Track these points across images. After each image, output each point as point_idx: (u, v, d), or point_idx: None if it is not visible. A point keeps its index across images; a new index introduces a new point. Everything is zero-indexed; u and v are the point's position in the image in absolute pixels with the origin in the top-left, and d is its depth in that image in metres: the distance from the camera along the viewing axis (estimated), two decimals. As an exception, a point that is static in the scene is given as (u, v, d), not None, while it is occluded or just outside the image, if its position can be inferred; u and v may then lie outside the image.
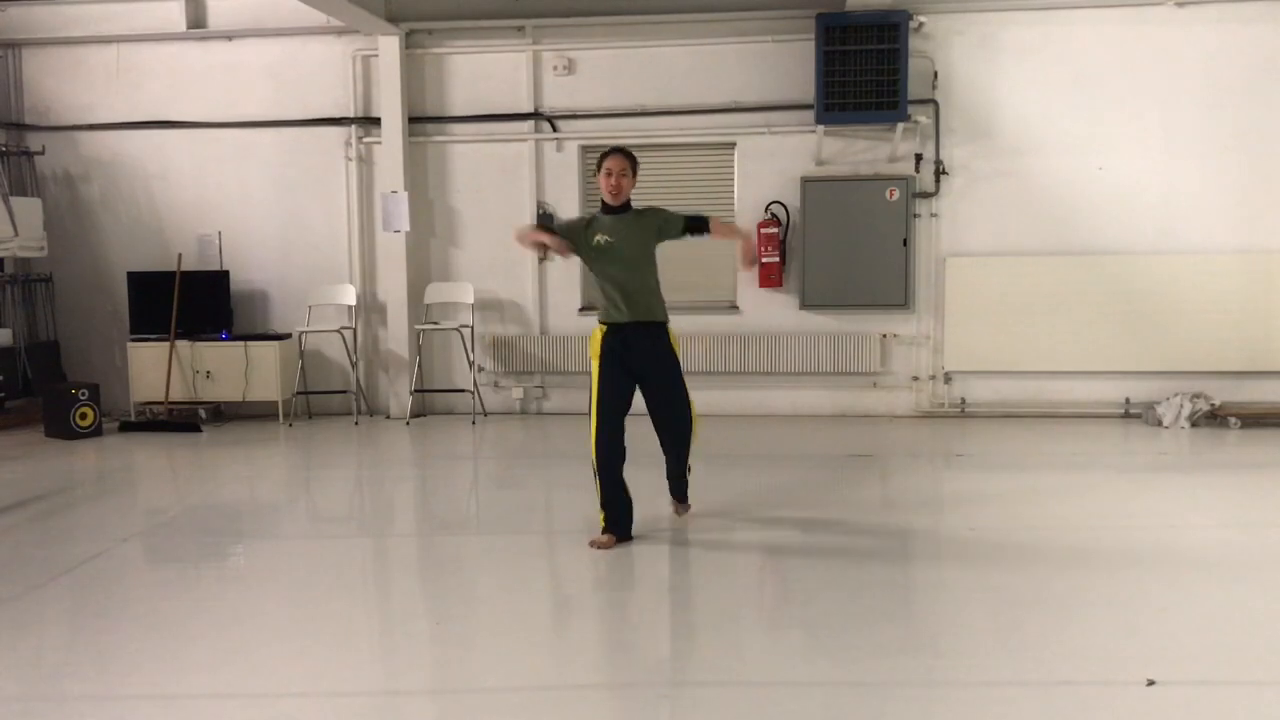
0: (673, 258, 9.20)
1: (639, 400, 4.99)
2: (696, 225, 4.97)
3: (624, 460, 4.92)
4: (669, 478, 5.25)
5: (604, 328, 4.93)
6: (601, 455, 4.85)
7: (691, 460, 5.23)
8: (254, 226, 9.09)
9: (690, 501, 5.37)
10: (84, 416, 8.10)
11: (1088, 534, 5.12)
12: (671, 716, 3.26)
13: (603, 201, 4.97)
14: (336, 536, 5.54)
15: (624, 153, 4.95)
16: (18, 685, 3.55)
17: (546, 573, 4.82)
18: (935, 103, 8.28)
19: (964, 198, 8.39)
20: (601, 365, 4.90)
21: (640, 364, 4.92)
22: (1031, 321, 8.27)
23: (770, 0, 8.35)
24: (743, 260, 5.13)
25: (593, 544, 4.89)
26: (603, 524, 4.94)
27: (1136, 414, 8.25)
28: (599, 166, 4.95)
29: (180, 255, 8.82)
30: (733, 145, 8.62)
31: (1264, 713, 3.22)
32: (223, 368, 8.59)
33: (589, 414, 4.92)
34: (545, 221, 8.69)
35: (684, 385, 5.02)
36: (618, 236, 4.88)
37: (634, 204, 4.99)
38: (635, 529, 4.99)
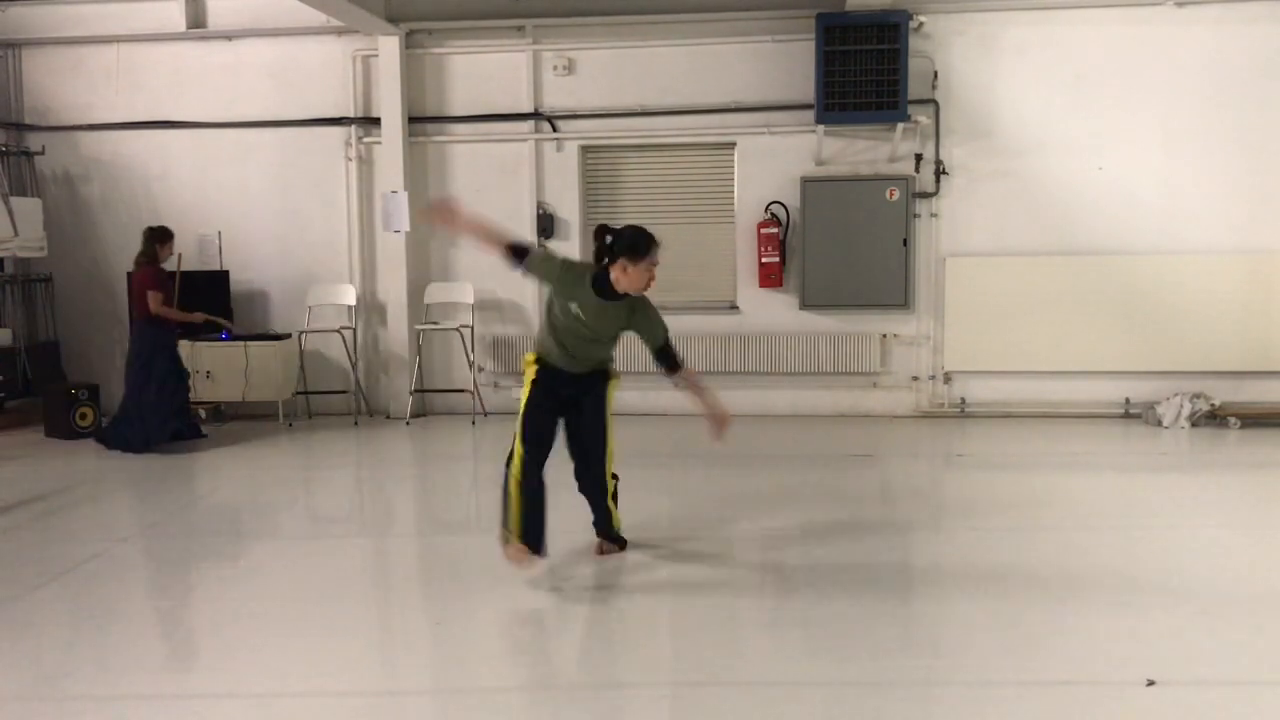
0: (672, 258, 9.31)
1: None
2: (666, 359, 4.49)
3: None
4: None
5: (539, 362, 4.58)
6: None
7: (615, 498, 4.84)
8: (254, 226, 9.08)
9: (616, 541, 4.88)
10: (84, 416, 8.09)
11: (1088, 534, 5.12)
12: (671, 716, 3.26)
13: (601, 275, 4.39)
14: (336, 537, 5.54)
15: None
16: (18, 685, 3.55)
17: (546, 572, 4.81)
18: (935, 103, 8.28)
19: (964, 198, 8.38)
20: (533, 390, 4.56)
21: (570, 395, 4.59)
22: (1031, 321, 8.26)
23: (770, 0, 8.35)
24: (713, 427, 4.50)
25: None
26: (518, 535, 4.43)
27: (1136, 414, 8.24)
28: (646, 251, 4.30)
29: (180, 255, 8.80)
30: (733, 145, 8.62)
31: (1264, 713, 3.22)
32: (223, 368, 8.58)
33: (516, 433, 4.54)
34: (544, 222, 8.71)
35: (607, 430, 4.65)
36: (591, 316, 4.44)
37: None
38: (639, 528, 4.99)
